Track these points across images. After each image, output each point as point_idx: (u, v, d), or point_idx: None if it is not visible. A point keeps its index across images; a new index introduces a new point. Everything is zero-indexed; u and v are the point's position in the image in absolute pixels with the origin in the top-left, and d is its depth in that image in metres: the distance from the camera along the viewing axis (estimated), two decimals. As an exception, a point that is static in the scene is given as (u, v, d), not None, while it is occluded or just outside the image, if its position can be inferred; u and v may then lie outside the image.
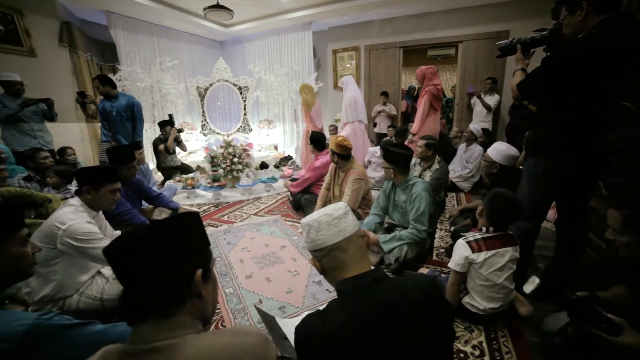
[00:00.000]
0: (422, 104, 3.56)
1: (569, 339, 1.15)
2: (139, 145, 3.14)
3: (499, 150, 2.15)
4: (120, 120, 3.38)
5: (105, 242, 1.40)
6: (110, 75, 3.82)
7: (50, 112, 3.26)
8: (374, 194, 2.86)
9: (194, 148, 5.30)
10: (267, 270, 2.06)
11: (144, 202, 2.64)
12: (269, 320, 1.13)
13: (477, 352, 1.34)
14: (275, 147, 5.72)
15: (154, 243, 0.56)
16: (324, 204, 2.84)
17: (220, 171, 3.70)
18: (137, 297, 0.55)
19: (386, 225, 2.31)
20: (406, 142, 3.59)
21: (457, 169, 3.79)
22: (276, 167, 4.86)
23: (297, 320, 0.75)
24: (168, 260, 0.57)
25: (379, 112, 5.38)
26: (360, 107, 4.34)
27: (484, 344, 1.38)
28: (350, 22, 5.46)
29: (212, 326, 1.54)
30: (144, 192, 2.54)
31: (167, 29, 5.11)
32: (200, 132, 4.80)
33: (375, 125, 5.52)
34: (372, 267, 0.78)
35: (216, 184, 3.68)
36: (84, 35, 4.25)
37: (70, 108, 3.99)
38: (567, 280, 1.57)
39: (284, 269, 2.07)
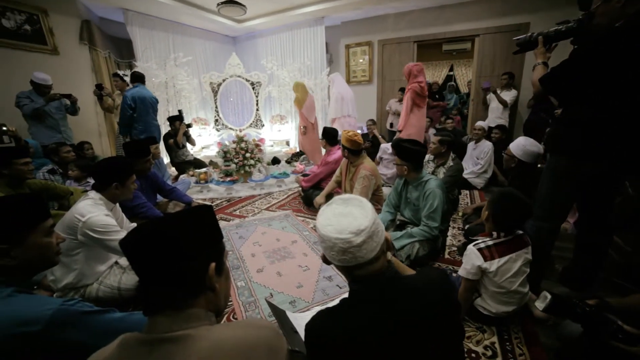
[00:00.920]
0: (405, 101, 3.62)
1: (587, 348, 1.11)
2: (154, 140, 3.22)
3: (519, 144, 2.10)
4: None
5: (122, 235, 1.43)
6: (127, 72, 3.94)
7: (73, 107, 3.42)
8: (386, 190, 2.84)
9: (207, 143, 5.38)
10: (278, 264, 2.09)
11: (158, 196, 2.71)
12: (279, 314, 1.14)
13: (489, 353, 1.32)
14: (287, 143, 5.75)
15: (168, 236, 0.57)
16: (329, 194, 2.85)
17: (233, 166, 3.75)
18: (153, 290, 0.57)
19: (398, 222, 2.28)
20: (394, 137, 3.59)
21: (469, 166, 3.73)
22: (288, 162, 4.89)
23: (307, 315, 0.75)
24: (182, 253, 0.57)
25: (389, 112, 5.20)
26: (348, 103, 4.39)
27: (497, 345, 1.36)
28: (363, 17, 5.37)
29: (224, 318, 1.57)
30: (158, 186, 2.61)
31: (181, 25, 5.17)
32: (213, 127, 4.87)
33: (391, 125, 5.24)
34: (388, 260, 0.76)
35: (228, 179, 3.73)
36: (102, 33, 4.37)
37: (90, 104, 4.13)
38: (583, 285, 1.51)
39: (295, 263, 2.09)
